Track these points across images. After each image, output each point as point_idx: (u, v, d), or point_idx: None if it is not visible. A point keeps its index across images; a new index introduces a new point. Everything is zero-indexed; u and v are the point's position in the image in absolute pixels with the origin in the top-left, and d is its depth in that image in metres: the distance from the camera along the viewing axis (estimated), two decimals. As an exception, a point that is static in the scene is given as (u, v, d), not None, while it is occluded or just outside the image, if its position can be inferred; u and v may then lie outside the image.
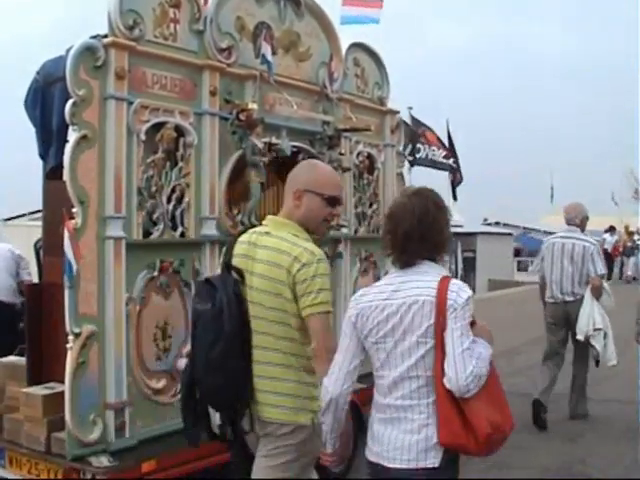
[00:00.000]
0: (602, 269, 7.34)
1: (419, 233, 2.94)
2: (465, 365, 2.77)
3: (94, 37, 4.57)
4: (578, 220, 7.54)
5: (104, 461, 4.30)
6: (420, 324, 2.85)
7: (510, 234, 42.17)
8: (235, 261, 3.41)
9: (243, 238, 3.46)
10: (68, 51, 4.46)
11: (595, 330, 7.07)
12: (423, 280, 2.92)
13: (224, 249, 3.62)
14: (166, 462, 4.52)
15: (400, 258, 3.00)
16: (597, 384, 9.14)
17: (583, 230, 7.63)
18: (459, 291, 2.86)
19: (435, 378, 2.83)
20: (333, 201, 3.44)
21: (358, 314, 3.01)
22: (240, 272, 3.36)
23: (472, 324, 2.90)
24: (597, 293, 7.19)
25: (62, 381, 4.33)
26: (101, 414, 4.42)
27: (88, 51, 4.41)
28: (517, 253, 43.19)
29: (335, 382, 3.00)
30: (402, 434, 2.86)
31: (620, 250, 27.47)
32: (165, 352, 4.86)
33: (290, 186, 3.47)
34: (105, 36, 4.55)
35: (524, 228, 47.03)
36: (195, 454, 4.70)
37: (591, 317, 7.07)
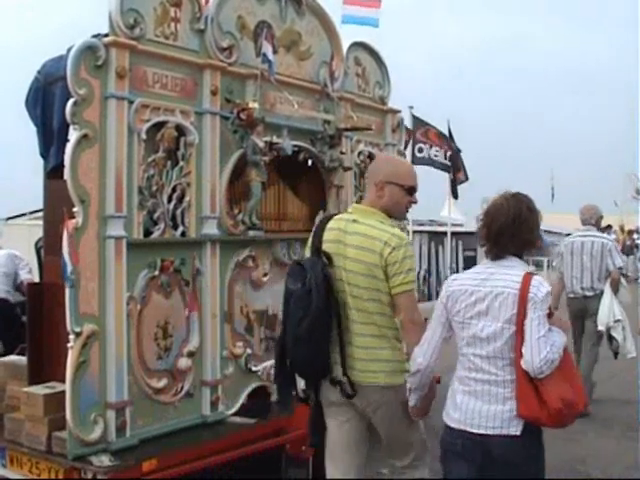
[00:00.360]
0: (620, 263, 7.91)
1: (511, 231, 3.34)
2: (540, 350, 3.16)
3: (95, 36, 4.57)
4: (593, 220, 8.14)
5: (105, 460, 4.30)
6: (505, 312, 3.25)
7: (511, 233, 42.06)
8: (325, 246, 3.79)
9: (331, 225, 3.83)
10: (69, 50, 4.46)
11: (615, 322, 7.49)
12: (509, 274, 3.32)
13: (312, 233, 3.96)
14: (167, 461, 4.52)
15: (492, 250, 3.41)
16: (597, 384, 9.15)
17: (599, 228, 8.26)
18: (539, 286, 3.26)
19: (515, 359, 3.22)
20: (411, 190, 3.91)
21: (449, 296, 3.41)
22: (328, 256, 3.75)
23: (549, 315, 3.29)
24: (616, 285, 7.71)
25: (63, 380, 4.33)
26: (102, 413, 4.42)
27: (89, 50, 4.41)
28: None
29: (424, 354, 3.44)
30: (487, 405, 3.27)
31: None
32: (166, 351, 4.86)
33: (372, 179, 3.91)
34: (106, 35, 4.55)
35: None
36: (196, 453, 4.72)
37: (611, 309, 7.50)
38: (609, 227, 25.38)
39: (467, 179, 19.73)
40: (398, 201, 3.87)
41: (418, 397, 3.59)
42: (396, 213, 3.93)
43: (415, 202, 3.97)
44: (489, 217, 3.40)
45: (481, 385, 3.31)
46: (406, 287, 3.66)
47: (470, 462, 3.32)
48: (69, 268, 4.23)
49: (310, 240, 3.94)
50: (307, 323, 3.62)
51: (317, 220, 5.89)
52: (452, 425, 3.38)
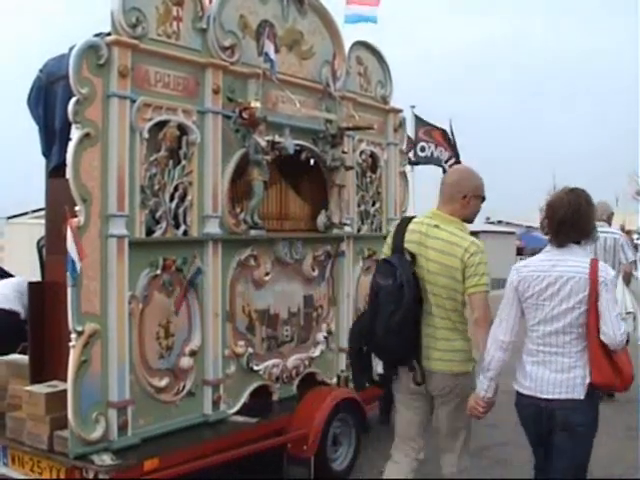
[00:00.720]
0: (632, 257, 8.29)
1: (570, 222, 3.76)
2: (619, 326, 3.67)
3: (97, 35, 4.57)
4: (605, 217, 8.44)
5: (107, 459, 4.30)
6: (577, 293, 3.69)
7: (513, 233, 42.12)
8: (408, 246, 4.19)
9: (412, 228, 4.24)
10: (71, 49, 4.46)
11: (627, 314, 7.84)
12: (576, 260, 3.76)
13: (392, 234, 4.36)
14: (169, 460, 4.52)
15: (555, 239, 3.82)
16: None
17: (610, 225, 8.62)
18: (607, 270, 3.75)
19: (588, 334, 3.69)
20: (484, 199, 4.41)
21: (520, 280, 3.85)
22: (413, 255, 4.15)
23: None
24: (628, 278, 8.11)
25: (65, 379, 4.33)
26: (104, 412, 4.43)
27: (91, 49, 4.41)
28: (520, 252, 43.13)
29: (505, 332, 3.85)
30: (554, 373, 3.75)
31: None
32: (168, 350, 4.86)
33: (457, 190, 4.25)
34: (108, 34, 4.55)
35: (527, 227, 46.97)
36: (197, 453, 4.72)
37: (623, 302, 7.76)
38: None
39: None
40: (477, 210, 4.39)
41: (494, 386, 3.92)
42: (471, 219, 4.40)
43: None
44: (551, 210, 3.83)
45: (549, 356, 3.78)
46: (480, 288, 4.07)
47: (539, 424, 3.84)
48: (78, 266, 4.22)
49: (391, 239, 4.33)
50: (399, 316, 4.00)
51: (321, 222, 5.95)
52: (524, 392, 3.87)
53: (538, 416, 3.83)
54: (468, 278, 4.06)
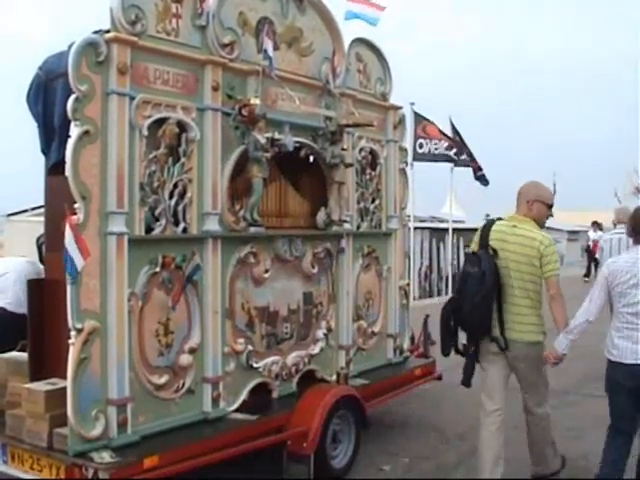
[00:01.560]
0: None
1: None
2: None
3: (96, 32, 4.56)
4: (626, 219, 9.03)
5: (106, 457, 4.30)
6: None
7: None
8: (492, 243, 5.33)
9: (496, 229, 5.39)
10: (70, 46, 4.45)
11: None
12: None
13: (478, 233, 5.47)
14: (168, 458, 4.52)
15: (636, 241, 5.02)
16: (599, 381, 9.14)
17: None
18: None
19: None
20: (550, 206, 5.51)
21: (610, 273, 4.96)
22: (495, 250, 5.28)
23: None
24: None
25: (64, 377, 4.33)
26: (103, 410, 4.43)
27: (90, 46, 4.40)
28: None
29: (592, 308, 4.99)
30: (634, 344, 4.84)
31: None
32: (167, 348, 4.86)
33: (524, 197, 5.43)
34: (107, 31, 4.54)
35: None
36: (197, 450, 4.72)
37: None
38: (597, 224, 24.69)
39: (481, 168, 19.93)
40: (542, 214, 5.45)
41: (569, 345, 5.11)
42: (540, 222, 5.45)
43: (552, 215, 5.60)
44: (633, 219, 5.11)
45: (631, 332, 4.87)
46: (554, 272, 5.23)
47: (624, 386, 4.93)
48: (79, 264, 4.21)
49: (477, 238, 5.46)
50: (481, 296, 5.14)
51: (320, 219, 5.94)
52: (612, 359, 4.98)
53: (624, 379, 4.92)
54: (544, 265, 5.19)
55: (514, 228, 5.34)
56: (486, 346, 5.37)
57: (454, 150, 19.48)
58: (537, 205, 5.42)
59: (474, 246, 5.49)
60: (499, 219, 5.55)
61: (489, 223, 5.53)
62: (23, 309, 5.56)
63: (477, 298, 5.14)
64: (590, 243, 25.03)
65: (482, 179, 20.18)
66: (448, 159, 19.83)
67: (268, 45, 5.35)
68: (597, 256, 23.68)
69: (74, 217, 4.29)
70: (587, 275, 23.98)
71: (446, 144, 19.36)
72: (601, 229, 24.37)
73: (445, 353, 5.49)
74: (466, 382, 5.43)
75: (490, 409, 5.43)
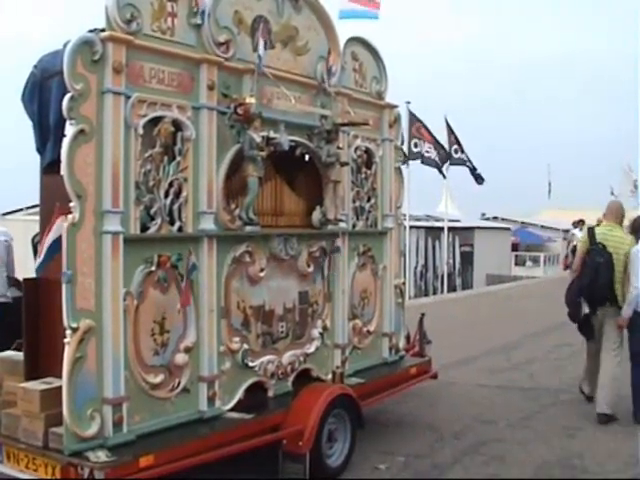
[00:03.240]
0: None
1: None
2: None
3: (92, 31, 4.55)
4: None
5: (102, 456, 4.29)
6: None
7: (508, 229, 42.20)
8: (599, 240, 7.56)
9: (598, 231, 7.76)
10: (65, 45, 4.44)
11: None
12: None
13: (586, 235, 7.87)
14: (164, 457, 4.51)
15: None
16: (596, 380, 9.14)
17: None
18: None
19: None
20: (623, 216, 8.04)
21: None
22: (603, 245, 7.54)
23: None
24: None
25: (60, 376, 4.31)
26: (99, 409, 4.42)
27: (85, 45, 4.39)
28: (514, 247, 43.20)
29: None
30: None
31: None
32: (163, 347, 4.85)
33: (615, 211, 7.90)
34: (102, 30, 4.54)
35: (522, 223, 47.04)
36: (193, 449, 4.72)
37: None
38: (581, 222, 23.08)
39: (475, 168, 20.08)
40: (623, 224, 7.94)
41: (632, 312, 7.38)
42: (621, 227, 7.89)
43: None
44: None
45: None
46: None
47: None
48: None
49: (586, 238, 7.76)
50: (605, 278, 7.43)
51: (316, 218, 5.93)
52: (637, 310, 7.14)
53: None
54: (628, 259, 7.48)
55: (612, 231, 7.72)
56: (604, 311, 7.60)
57: (451, 148, 19.66)
58: (622, 218, 7.94)
59: (585, 244, 7.78)
60: (597, 225, 8.52)
61: (591, 228, 8.12)
62: None
63: (604, 279, 7.43)
64: (576, 243, 21.31)
65: (480, 177, 20.31)
66: (437, 167, 20.04)
67: (259, 42, 5.34)
68: None
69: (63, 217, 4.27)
70: None
71: (436, 152, 19.62)
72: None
73: (577, 320, 7.74)
74: (590, 335, 7.78)
75: (611, 347, 7.63)
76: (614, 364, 7.61)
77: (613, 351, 7.63)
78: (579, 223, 22.48)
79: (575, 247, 22.14)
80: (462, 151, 20.36)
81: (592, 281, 7.47)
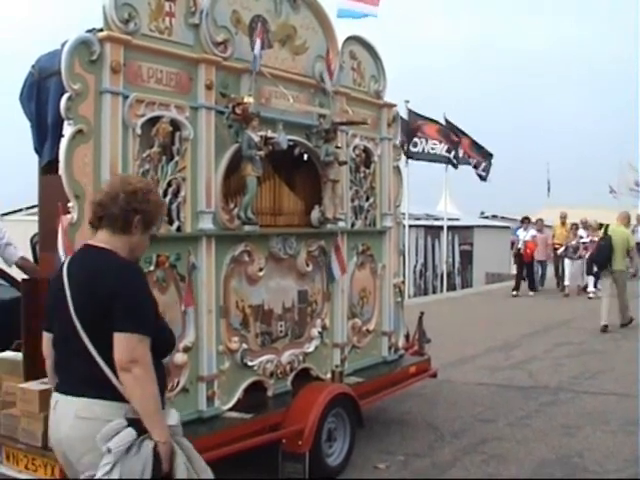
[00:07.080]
0: None
1: None
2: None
3: (89, 31, 4.55)
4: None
5: (101, 456, 4.29)
6: None
7: (507, 227, 42.16)
8: (609, 233, 13.26)
9: (610, 227, 13.41)
10: (63, 45, 4.44)
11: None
12: None
13: (604, 229, 14.02)
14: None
15: None
16: (594, 377, 9.17)
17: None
18: None
19: None
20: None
21: None
22: (610, 236, 13.12)
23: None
24: None
25: (58, 376, 4.31)
26: (98, 409, 4.41)
27: (83, 45, 4.39)
28: (514, 246, 43.10)
29: None
30: None
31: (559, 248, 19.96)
32: (162, 347, 4.84)
33: (623, 217, 13.76)
34: (100, 30, 4.54)
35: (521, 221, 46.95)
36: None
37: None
38: (527, 220, 21.01)
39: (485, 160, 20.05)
40: (629, 225, 13.65)
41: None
42: (627, 228, 12.31)
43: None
44: None
45: None
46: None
47: None
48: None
49: (603, 232, 13.53)
50: (606, 254, 13.02)
51: (314, 217, 5.93)
52: None
53: None
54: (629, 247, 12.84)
55: (618, 228, 12.76)
56: (608, 272, 12.88)
57: (453, 153, 19.59)
58: (627, 220, 12.75)
59: (601, 234, 13.22)
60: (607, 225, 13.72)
61: (607, 225, 13.23)
62: None
63: (606, 254, 12.69)
64: (520, 245, 19.94)
65: (487, 171, 20.26)
66: (447, 161, 19.89)
67: (256, 42, 5.34)
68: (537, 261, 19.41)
69: (66, 217, 4.26)
70: (517, 288, 19.39)
71: (446, 147, 19.43)
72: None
73: (596, 274, 14.08)
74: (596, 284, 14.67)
75: (607, 294, 12.89)
76: (607, 301, 13.07)
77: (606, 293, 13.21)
78: (525, 221, 20.68)
79: (518, 251, 19.53)
80: (471, 147, 20.33)
81: (597, 254, 13.42)
